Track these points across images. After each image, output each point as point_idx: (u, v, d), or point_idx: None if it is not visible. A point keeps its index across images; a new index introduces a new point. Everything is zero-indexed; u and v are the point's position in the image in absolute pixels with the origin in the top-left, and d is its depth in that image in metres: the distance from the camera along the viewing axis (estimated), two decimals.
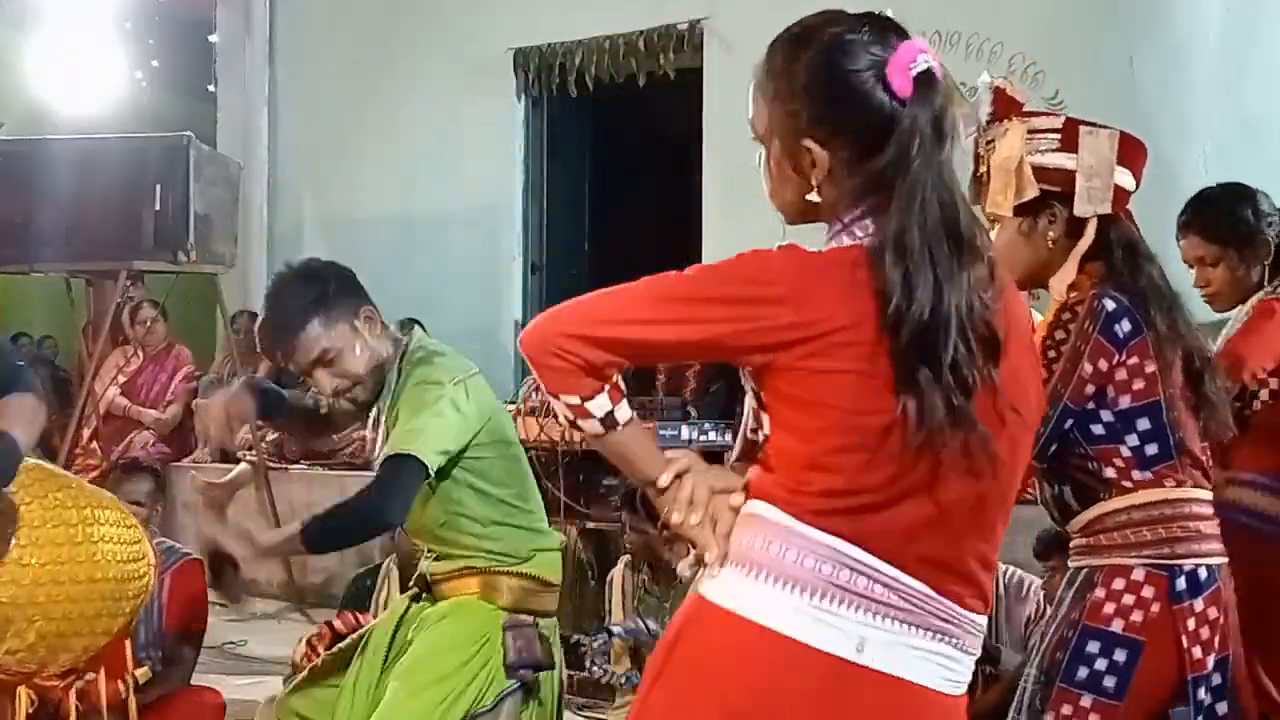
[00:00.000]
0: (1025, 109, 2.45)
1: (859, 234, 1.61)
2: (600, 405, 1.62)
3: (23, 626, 2.28)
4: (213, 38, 10.14)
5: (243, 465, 7.66)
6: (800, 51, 1.63)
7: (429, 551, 3.08)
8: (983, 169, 2.43)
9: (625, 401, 1.66)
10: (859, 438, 1.56)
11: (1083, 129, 2.44)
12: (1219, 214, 3.26)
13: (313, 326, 2.82)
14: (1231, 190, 3.32)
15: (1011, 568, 4.07)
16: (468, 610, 2.94)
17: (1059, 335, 2.40)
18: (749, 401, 1.71)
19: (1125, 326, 2.38)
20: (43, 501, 2.34)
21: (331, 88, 8.97)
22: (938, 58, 1.62)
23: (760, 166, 1.71)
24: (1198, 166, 6.13)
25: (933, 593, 1.60)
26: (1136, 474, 2.38)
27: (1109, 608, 2.36)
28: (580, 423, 1.64)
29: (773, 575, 1.60)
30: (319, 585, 7.14)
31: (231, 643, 6.06)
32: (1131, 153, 2.49)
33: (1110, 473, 2.39)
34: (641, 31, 7.77)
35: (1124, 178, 2.46)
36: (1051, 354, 2.38)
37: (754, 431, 1.71)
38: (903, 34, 1.62)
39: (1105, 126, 2.47)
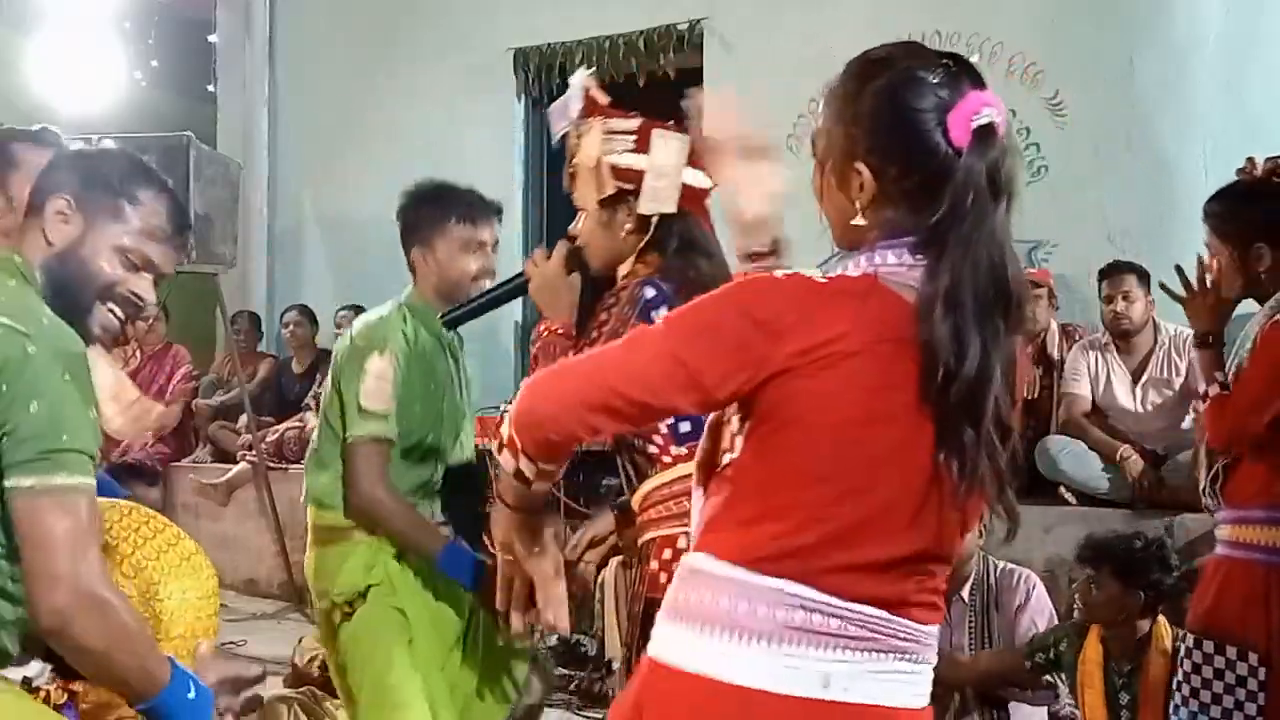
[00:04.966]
0: (606, 110, 2.63)
1: (878, 260, 1.60)
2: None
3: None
4: (213, 38, 10.12)
5: (242, 465, 7.66)
6: (871, 78, 1.63)
7: None
8: (574, 164, 2.61)
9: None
10: (832, 465, 1.55)
11: (655, 132, 2.59)
12: (1225, 208, 3.20)
13: None
14: (1251, 190, 3.22)
15: (1002, 562, 4.06)
16: None
17: (602, 317, 2.51)
18: (731, 427, 1.68)
19: (662, 313, 2.43)
20: (183, 545, 2.43)
21: (331, 88, 8.97)
22: (1003, 113, 1.60)
23: (811, 181, 1.72)
24: (1198, 166, 6.12)
25: (891, 615, 1.59)
26: (674, 449, 2.46)
27: (663, 577, 2.40)
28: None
29: (727, 630, 1.57)
30: None
31: (231, 643, 6.06)
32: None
33: (652, 449, 2.48)
34: (641, 31, 7.76)
35: (697, 177, 2.57)
36: (594, 334, 2.49)
37: (718, 455, 1.70)
38: (977, 83, 1.61)
39: (678, 132, 2.59)
